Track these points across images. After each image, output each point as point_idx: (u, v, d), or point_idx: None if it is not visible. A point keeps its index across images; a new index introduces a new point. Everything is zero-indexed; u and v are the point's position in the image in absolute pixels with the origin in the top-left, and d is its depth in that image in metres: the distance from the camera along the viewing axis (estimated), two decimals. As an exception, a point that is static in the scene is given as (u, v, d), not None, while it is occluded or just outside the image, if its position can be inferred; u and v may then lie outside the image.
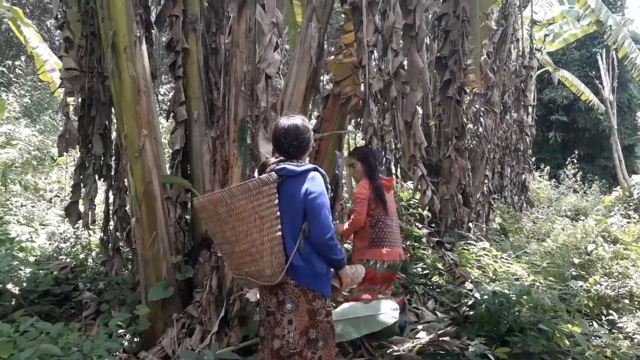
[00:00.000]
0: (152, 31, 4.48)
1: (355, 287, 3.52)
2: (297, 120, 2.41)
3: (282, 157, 2.41)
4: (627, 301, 4.76)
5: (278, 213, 2.23)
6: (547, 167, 14.32)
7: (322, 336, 2.32)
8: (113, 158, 4.78)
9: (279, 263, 2.22)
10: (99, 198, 5.05)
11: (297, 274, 2.26)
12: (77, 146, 4.65)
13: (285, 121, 2.40)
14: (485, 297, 3.96)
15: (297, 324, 2.27)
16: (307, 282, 2.28)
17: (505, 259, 5.40)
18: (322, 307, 2.33)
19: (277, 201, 2.23)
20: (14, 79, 11.43)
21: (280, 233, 2.23)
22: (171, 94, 4.62)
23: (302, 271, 2.26)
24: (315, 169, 2.31)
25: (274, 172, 2.26)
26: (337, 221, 3.77)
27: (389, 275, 3.77)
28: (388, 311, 3.46)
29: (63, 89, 4.50)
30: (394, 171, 7.49)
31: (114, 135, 4.81)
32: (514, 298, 3.85)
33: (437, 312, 4.51)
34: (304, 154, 2.43)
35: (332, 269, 2.38)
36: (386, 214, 3.78)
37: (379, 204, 3.76)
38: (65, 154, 4.58)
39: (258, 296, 3.12)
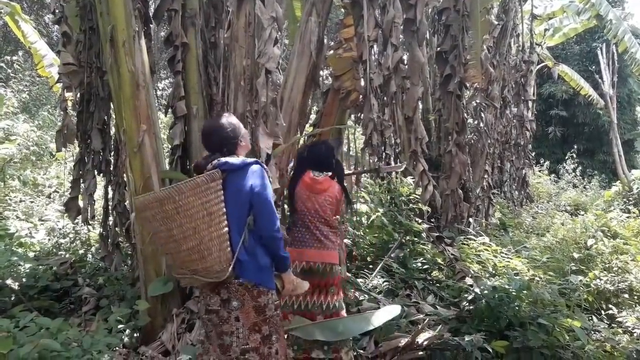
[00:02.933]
0: (151, 26, 4.45)
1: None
2: (223, 119, 2.42)
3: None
4: (626, 296, 4.77)
5: (224, 209, 2.22)
6: (547, 162, 14.31)
7: (274, 330, 2.32)
8: (112, 153, 4.77)
9: (227, 259, 2.20)
10: (98, 193, 5.04)
11: (242, 269, 2.24)
12: (76, 141, 4.64)
13: (207, 122, 2.39)
14: (485, 292, 3.96)
15: (244, 320, 2.25)
16: (251, 276, 2.26)
17: (505, 254, 5.40)
18: (269, 302, 2.31)
19: (223, 197, 2.23)
20: (12, 74, 11.36)
21: (227, 229, 2.22)
22: (170, 89, 4.60)
23: (247, 265, 2.24)
24: (256, 162, 2.31)
25: (218, 168, 2.25)
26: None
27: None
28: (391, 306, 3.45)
29: (61, 84, 4.48)
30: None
31: (113, 130, 4.79)
32: (513, 293, 3.85)
33: (437, 306, 4.51)
34: (237, 150, 2.41)
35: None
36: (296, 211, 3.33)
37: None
38: (63, 149, 4.57)
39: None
